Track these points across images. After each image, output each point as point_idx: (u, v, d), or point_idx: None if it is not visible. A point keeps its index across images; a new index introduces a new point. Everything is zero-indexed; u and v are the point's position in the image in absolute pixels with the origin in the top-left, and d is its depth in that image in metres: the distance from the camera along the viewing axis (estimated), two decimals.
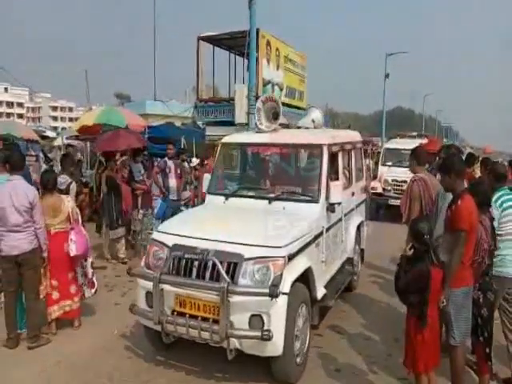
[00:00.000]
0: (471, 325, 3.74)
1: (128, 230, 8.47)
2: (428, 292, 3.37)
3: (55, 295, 5.14)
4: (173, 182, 8.56)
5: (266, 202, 5.05)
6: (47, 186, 5.13)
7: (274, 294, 3.78)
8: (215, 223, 4.63)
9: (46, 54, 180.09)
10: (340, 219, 5.69)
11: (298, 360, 4.25)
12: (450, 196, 3.96)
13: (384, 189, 12.33)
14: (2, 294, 5.11)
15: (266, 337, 3.79)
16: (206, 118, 14.08)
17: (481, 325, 3.84)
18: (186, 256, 4.16)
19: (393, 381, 4.28)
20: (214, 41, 14.51)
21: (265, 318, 3.93)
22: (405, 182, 10.73)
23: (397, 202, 8.42)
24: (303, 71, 16.93)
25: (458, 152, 5.49)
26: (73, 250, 5.09)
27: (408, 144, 11.37)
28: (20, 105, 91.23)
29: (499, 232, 4.08)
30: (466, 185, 4.07)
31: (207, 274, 4.10)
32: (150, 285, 4.20)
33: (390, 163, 12.80)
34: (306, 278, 4.51)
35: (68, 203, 5.22)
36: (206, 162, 10.40)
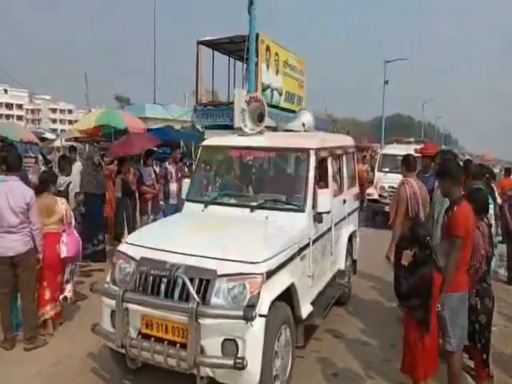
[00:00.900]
0: (468, 331, 3.69)
1: None
2: (431, 296, 3.31)
3: (47, 295, 5.07)
4: (173, 186, 8.30)
5: (248, 210, 4.56)
6: (44, 185, 5.15)
7: (248, 317, 3.28)
8: (189, 234, 4.13)
9: (45, 56, 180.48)
10: (329, 229, 5.20)
11: None
12: (447, 202, 3.98)
13: (380, 195, 11.81)
14: None
15: (240, 365, 3.28)
16: (205, 122, 13.74)
17: (478, 331, 3.77)
18: (153, 272, 3.66)
19: None
20: (214, 45, 14.33)
21: (239, 343, 3.43)
22: None
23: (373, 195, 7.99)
24: (302, 76, 16.71)
25: (453, 158, 5.31)
26: (63, 251, 5.07)
27: (405, 150, 10.76)
28: (19, 106, 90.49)
29: None
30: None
31: (176, 293, 3.61)
32: (114, 303, 3.70)
33: (386, 169, 12.29)
34: (289, 295, 4.02)
35: (62, 205, 5.17)
36: None
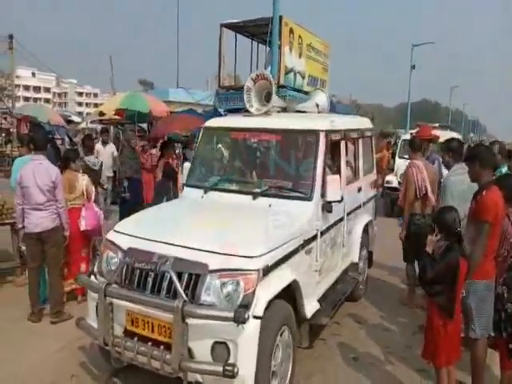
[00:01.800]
0: (494, 320, 3.54)
1: None
2: (456, 283, 3.22)
3: (72, 269, 5.29)
4: None
5: (250, 197, 4.11)
6: (66, 162, 5.37)
7: (240, 319, 2.87)
8: (181, 223, 3.72)
9: (72, 40, 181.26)
10: (341, 219, 4.72)
11: None
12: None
13: (400, 183, 11.08)
14: (27, 270, 5.27)
15: (229, 373, 2.88)
16: (227, 106, 13.32)
17: (504, 320, 3.52)
18: (137, 265, 3.27)
19: (411, 372, 4.11)
20: (237, 28, 13.76)
21: (231, 347, 3.03)
22: None
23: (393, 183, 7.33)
24: (326, 60, 16.00)
25: (460, 145, 5.01)
26: (82, 225, 5.20)
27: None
28: (47, 90, 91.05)
29: None
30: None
31: (164, 288, 3.22)
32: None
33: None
34: (291, 292, 3.59)
35: (82, 181, 5.35)
36: None
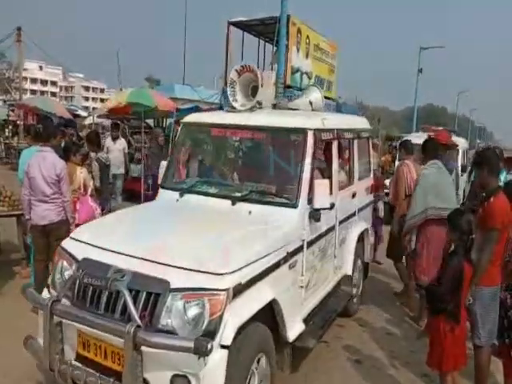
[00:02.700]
0: (497, 326, 3.50)
1: None
2: (461, 287, 3.15)
3: None
4: None
5: (229, 202, 3.62)
6: (66, 155, 5.28)
7: (201, 351, 2.37)
8: (147, 231, 3.22)
9: (79, 35, 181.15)
10: (333, 228, 4.21)
11: None
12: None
13: None
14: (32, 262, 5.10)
15: None
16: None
17: (507, 327, 3.53)
18: (87, 280, 2.77)
19: (414, 377, 4.02)
20: (244, 26, 13.45)
21: (193, 381, 2.53)
22: None
23: None
24: (333, 61, 15.77)
25: (434, 145, 5.21)
26: (76, 218, 5.01)
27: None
28: (54, 83, 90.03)
29: None
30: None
31: (118, 307, 2.73)
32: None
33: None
34: (271, 312, 3.09)
35: (80, 174, 5.28)
36: None
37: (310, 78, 13.75)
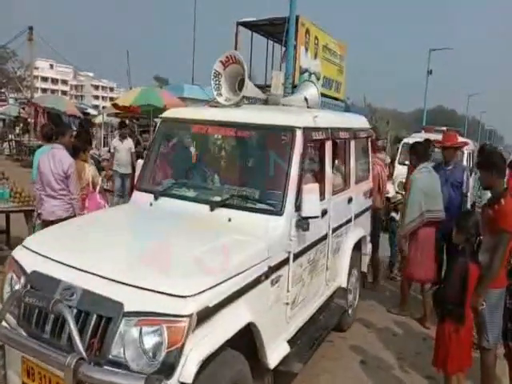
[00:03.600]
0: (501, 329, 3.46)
1: None
2: (466, 288, 3.09)
3: None
4: None
5: (208, 208, 3.17)
6: (76, 151, 5.18)
7: None
8: (107, 241, 2.78)
9: (90, 34, 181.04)
10: (325, 237, 3.75)
11: None
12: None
13: (397, 192, 8.78)
14: None
15: None
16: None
17: (511, 329, 3.45)
18: (28, 300, 2.33)
19: (420, 379, 3.93)
20: (253, 26, 13.44)
21: None
22: None
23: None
24: (342, 62, 15.51)
25: (424, 147, 5.15)
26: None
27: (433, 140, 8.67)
28: (64, 82, 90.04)
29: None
30: None
31: (65, 332, 2.29)
32: None
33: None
34: (249, 335, 2.65)
35: (89, 171, 5.26)
36: None
37: (318, 79, 13.53)
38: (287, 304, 3.16)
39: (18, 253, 2.78)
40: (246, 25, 13.11)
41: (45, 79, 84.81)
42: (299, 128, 3.20)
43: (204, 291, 2.27)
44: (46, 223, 4.63)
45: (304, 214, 3.06)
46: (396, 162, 9.83)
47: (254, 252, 2.76)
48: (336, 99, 14.53)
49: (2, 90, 48.46)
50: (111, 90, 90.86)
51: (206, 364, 2.21)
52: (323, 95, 13.61)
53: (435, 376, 3.69)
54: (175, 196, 3.38)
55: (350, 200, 4.28)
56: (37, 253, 2.68)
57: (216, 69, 3.79)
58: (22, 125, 21.40)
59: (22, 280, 2.61)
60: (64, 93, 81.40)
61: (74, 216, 4.59)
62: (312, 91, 4.84)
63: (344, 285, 4.28)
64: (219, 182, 3.53)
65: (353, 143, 4.31)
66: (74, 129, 12.82)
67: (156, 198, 3.40)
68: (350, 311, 4.57)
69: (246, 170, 3.41)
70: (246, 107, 3.70)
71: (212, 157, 3.82)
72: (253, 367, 2.70)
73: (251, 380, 2.67)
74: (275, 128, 3.27)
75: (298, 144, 3.16)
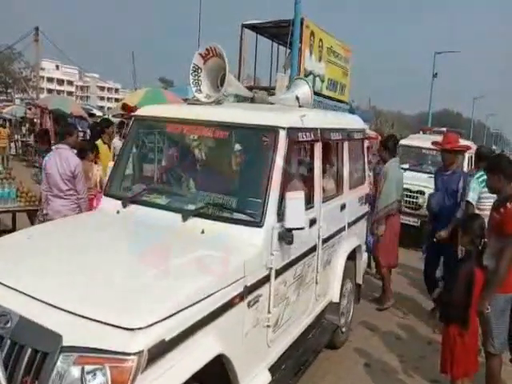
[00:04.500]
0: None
1: None
2: (471, 293, 3.02)
3: None
4: None
5: (180, 217, 2.77)
6: (83, 153, 5.16)
7: None
8: (58, 258, 2.38)
9: (95, 36, 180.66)
10: (314, 248, 3.35)
11: None
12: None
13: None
14: None
15: None
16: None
17: None
18: None
19: (424, 382, 3.84)
20: (258, 29, 13.16)
21: None
22: (421, 192, 7.68)
23: (410, 221, 5.83)
24: (347, 64, 15.32)
25: (395, 143, 5.51)
26: None
27: (431, 141, 8.08)
28: (70, 83, 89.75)
29: (480, 207, 4.20)
30: None
31: None
32: None
33: (406, 166, 8.66)
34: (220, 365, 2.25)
35: (97, 172, 5.22)
36: None
37: (322, 81, 13.50)
38: (268, 327, 2.76)
39: None
40: (250, 27, 12.84)
41: (51, 80, 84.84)
42: (283, 128, 2.80)
43: (159, 322, 1.88)
44: None
45: (287, 224, 2.66)
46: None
47: (227, 270, 2.36)
48: (340, 102, 14.39)
49: (9, 91, 48.56)
50: (116, 91, 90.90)
51: None
52: (327, 97, 13.44)
53: (440, 380, 3.63)
54: (145, 203, 2.99)
55: (343, 207, 3.88)
56: None
57: (195, 63, 3.40)
58: (28, 125, 21.38)
59: None
60: (70, 93, 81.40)
61: None
62: (304, 89, 4.45)
63: (336, 299, 3.88)
64: (195, 187, 3.13)
65: (346, 145, 3.91)
66: (80, 129, 12.64)
67: (124, 206, 3.00)
68: (343, 327, 4.16)
69: (223, 175, 3.00)
70: (227, 105, 3.31)
71: (188, 159, 3.41)
72: None
73: None
74: (256, 128, 2.86)
75: (281, 146, 2.76)
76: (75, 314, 1.89)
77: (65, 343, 1.82)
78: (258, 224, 2.65)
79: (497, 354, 3.33)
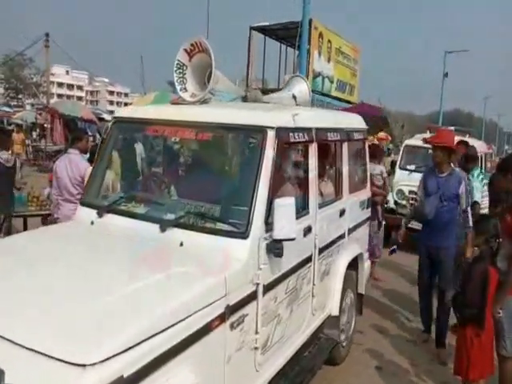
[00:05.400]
0: None
1: None
2: (486, 293, 2.96)
3: None
4: None
5: (158, 228, 2.48)
6: (92, 157, 4.95)
7: None
8: (11, 280, 2.09)
9: (104, 40, 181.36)
10: (309, 259, 3.04)
11: None
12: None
13: (396, 202, 7.77)
14: None
15: None
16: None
17: None
18: None
19: None
20: (266, 31, 13.43)
21: None
22: None
23: (414, 225, 5.25)
24: (355, 65, 15.20)
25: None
26: None
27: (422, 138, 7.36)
28: (80, 88, 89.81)
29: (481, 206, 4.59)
30: None
31: None
32: None
33: (411, 167, 8.17)
34: None
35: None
36: None
37: (331, 82, 13.60)
38: (256, 349, 2.46)
39: None
40: (259, 29, 12.98)
41: (60, 85, 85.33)
42: (271, 128, 2.50)
43: (117, 354, 1.58)
44: None
45: (276, 235, 2.36)
46: (397, 166, 8.75)
47: (204, 289, 2.06)
48: (349, 102, 14.16)
49: (19, 97, 48.86)
50: (125, 95, 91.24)
51: None
52: (336, 98, 13.26)
53: (451, 382, 3.58)
54: (122, 213, 2.70)
55: (342, 212, 3.56)
56: None
57: (180, 59, 3.11)
58: (38, 130, 21.55)
59: None
60: (79, 98, 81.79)
61: None
62: (302, 87, 4.15)
63: (335, 312, 3.56)
64: (177, 194, 2.84)
65: (345, 146, 3.59)
66: (90, 133, 12.48)
67: (100, 215, 2.72)
68: (343, 342, 3.84)
69: (207, 181, 2.69)
70: (214, 104, 3.01)
71: (170, 164, 3.12)
72: None
73: None
74: (242, 128, 2.57)
75: (269, 148, 2.46)
76: (21, 346, 1.60)
77: (7, 380, 1.53)
78: (243, 235, 2.35)
79: (509, 356, 3.24)
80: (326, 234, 3.24)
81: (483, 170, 5.29)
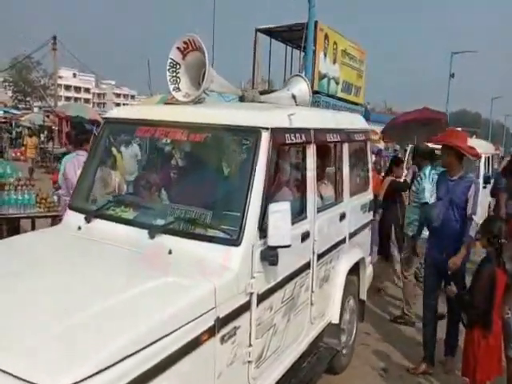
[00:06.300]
0: None
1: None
2: (494, 295, 2.96)
3: None
4: None
5: (147, 234, 2.33)
6: None
7: None
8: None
9: (111, 43, 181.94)
10: (307, 265, 2.88)
11: None
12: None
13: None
14: None
15: None
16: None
17: None
18: None
19: None
20: (272, 33, 13.15)
21: None
22: None
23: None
24: (361, 66, 15.15)
25: None
26: None
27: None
28: (87, 90, 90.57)
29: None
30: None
31: None
32: None
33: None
34: None
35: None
36: None
37: (337, 84, 13.34)
38: (249, 362, 2.30)
39: None
40: (264, 31, 12.87)
41: (68, 87, 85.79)
42: (266, 129, 2.34)
43: (93, 375, 1.44)
44: None
45: (270, 242, 2.21)
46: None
47: (192, 301, 1.91)
48: (355, 104, 14.07)
49: (27, 99, 49.07)
50: (132, 97, 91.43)
51: None
52: (342, 100, 13.15)
53: None
54: (111, 218, 2.55)
55: (342, 216, 3.40)
56: None
57: (172, 58, 2.97)
58: (46, 132, 21.58)
59: None
60: (86, 101, 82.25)
61: None
62: (301, 87, 4.00)
63: (336, 320, 3.39)
64: (168, 199, 2.69)
65: (346, 147, 3.42)
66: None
67: (88, 221, 2.57)
68: (344, 350, 3.67)
69: (199, 185, 2.55)
70: (207, 105, 2.86)
71: (161, 166, 2.97)
72: None
73: None
74: (235, 129, 2.41)
75: (263, 149, 2.30)
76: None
77: None
78: (235, 242, 2.19)
79: None
80: (325, 239, 3.07)
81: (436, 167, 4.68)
